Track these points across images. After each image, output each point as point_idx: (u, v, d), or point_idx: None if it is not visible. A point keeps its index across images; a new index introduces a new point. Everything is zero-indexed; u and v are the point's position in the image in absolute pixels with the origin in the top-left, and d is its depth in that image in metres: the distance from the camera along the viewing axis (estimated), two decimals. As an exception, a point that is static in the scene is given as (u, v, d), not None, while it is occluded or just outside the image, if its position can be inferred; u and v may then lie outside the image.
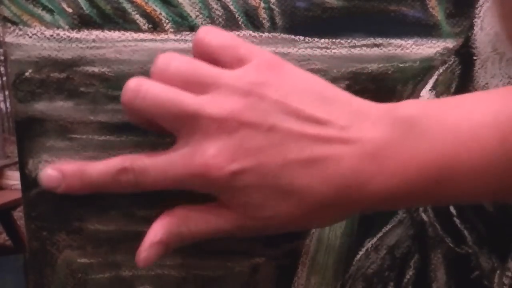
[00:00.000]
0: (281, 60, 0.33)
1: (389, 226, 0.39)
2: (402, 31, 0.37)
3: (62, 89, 0.36)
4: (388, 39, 0.37)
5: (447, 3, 0.37)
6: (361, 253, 0.40)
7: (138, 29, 0.36)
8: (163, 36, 0.36)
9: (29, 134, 0.36)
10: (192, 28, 0.36)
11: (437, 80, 0.38)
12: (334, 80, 0.36)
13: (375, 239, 0.39)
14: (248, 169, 0.30)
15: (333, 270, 0.39)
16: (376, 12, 0.37)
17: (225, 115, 0.30)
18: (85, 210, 0.37)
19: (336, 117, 0.31)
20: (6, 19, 0.35)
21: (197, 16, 0.36)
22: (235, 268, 0.38)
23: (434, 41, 0.37)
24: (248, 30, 0.36)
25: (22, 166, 0.36)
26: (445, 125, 0.31)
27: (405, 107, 0.32)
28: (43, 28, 0.35)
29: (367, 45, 0.37)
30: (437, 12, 0.37)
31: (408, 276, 0.40)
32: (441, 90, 0.38)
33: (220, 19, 0.36)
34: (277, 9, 0.36)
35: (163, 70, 0.32)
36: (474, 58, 0.38)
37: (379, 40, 0.37)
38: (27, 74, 0.35)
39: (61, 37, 0.35)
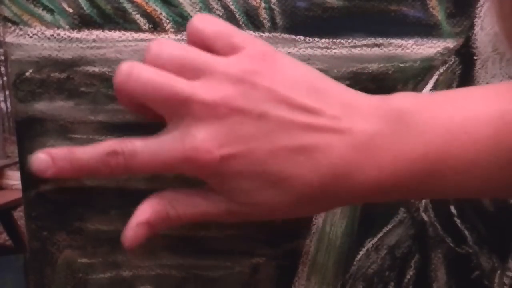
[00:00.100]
0: (274, 50, 0.33)
1: (389, 226, 0.39)
2: (402, 31, 0.37)
3: (63, 89, 0.36)
4: (388, 39, 0.37)
5: (447, 3, 0.37)
6: (361, 253, 0.39)
7: (138, 29, 0.36)
8: (163, 36, 0.36)
9: (30, 134, 0.36)
10: (193, 28, 0.36)
11: (437, 80, 0.38)
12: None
13: (375, 239, 0.39)
14: (237, 155, 0.30)
15: (334, 270, 0.39)
16: (377, 12, 0.37)
17: (217, 101, 0.30)
18: (85, 210, 0.37)
19: (328, 107, 0.31)
20: (6, 19, 0.35)
21: (197, 16, 0.36)
22: (235, 268, 0.38)
23: (434, 41, 0.37)
24: (248, 30, 0.36)
25: (22, 166, 0.36)
26: (437, 118, 0.31)
27: (397, 100, 0.32)
28: (43, 28, 0.35)
29: (367, 45, 0.37)
30: (438, 12, 0.37)
31: (408, 276, 0.40)
32: (441, 90, 0.38)
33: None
34: (277, 9, 0.36)
35: (157, 55, 0.32)
36: (475, 58, 0.38)
37: (379, 40, 0.37)
38: (27, 74, 0.35)
39: (62, 37, 0.35)
